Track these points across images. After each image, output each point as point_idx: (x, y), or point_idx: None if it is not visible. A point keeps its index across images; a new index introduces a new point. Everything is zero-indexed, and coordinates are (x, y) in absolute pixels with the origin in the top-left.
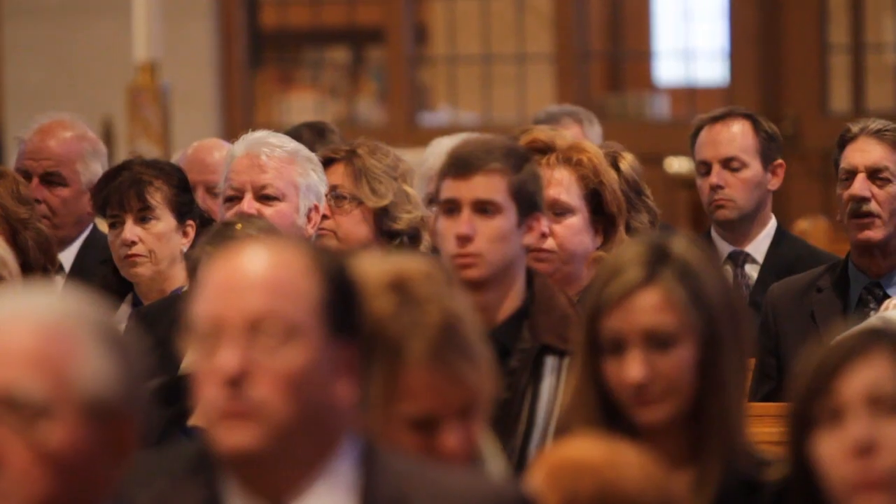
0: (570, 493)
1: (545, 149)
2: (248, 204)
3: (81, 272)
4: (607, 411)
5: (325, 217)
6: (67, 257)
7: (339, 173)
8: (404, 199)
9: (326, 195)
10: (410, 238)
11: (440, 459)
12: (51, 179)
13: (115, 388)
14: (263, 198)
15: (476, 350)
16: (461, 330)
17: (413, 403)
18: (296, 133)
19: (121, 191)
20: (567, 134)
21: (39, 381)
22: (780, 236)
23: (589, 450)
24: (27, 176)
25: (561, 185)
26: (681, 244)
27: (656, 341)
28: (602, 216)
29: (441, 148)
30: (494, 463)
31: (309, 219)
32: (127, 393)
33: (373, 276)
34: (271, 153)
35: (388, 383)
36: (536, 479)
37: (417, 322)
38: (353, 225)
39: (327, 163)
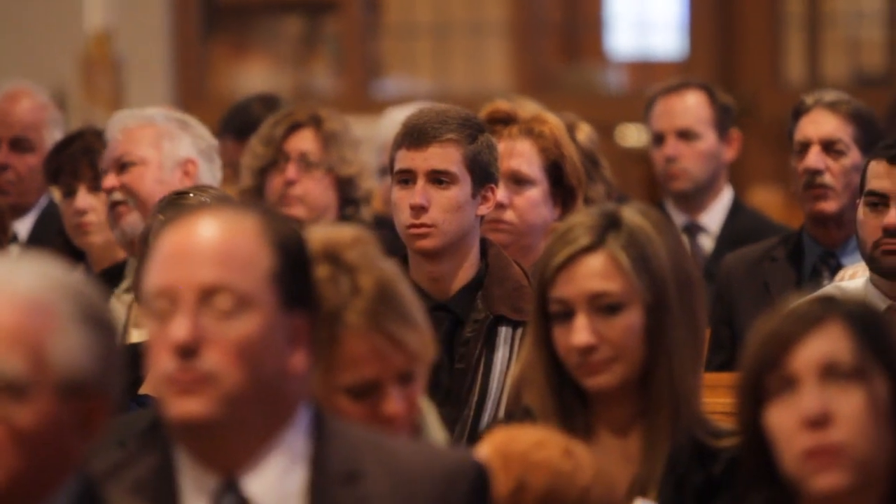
0: (520, 484)
1: (507, 119)
2: (108, 181)
3: (39, 241)
4: (558, 378)
5: (291, 183)
6: (24, 226)
7: (308, 139)
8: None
9: (293, 161)
10: (358, 207)
11: (383, 426)
12: (20, 145)
13: (92, 366)
14: (121, 168)
15: (413, 314)
16: (396, 295)
17: (353, 371)
18: (246, 106)
19: (74, 160)
20: (529, 105)
21: (17, 359)
22: (736, 208)
23: (543, 443)
24: None
25: (522, 156)
26: (632, 212)
27: (602, 307)
28: (562, 188)
29: (396, 118)
30: (434, 432)
31: (186, 173)
32: (103, 371)
33: None
34: (124, 126)
35: (327, 352)
36: (489, 458)
37: (352, 290)
38: (322, 192)
39: (293, 128)
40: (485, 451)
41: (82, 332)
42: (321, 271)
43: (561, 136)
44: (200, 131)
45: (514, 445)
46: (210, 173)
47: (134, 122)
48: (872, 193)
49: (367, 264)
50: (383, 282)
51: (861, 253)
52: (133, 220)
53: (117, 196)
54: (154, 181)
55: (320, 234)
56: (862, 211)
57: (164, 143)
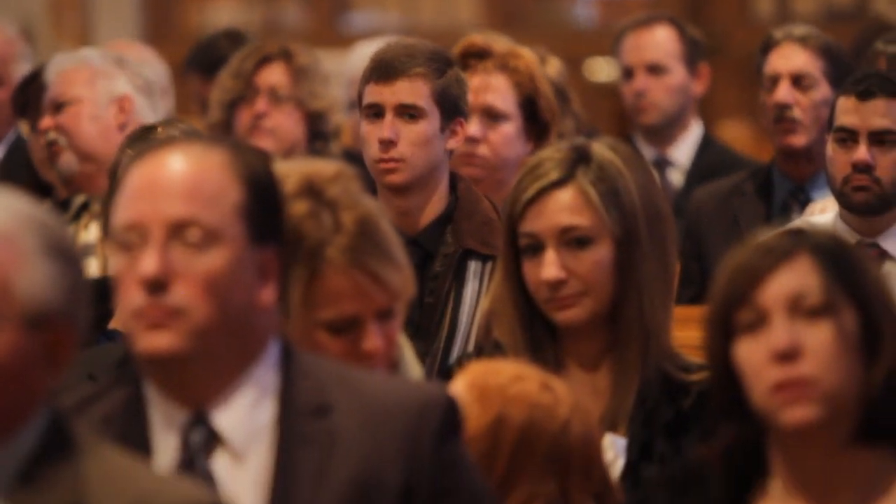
0: (499, 418)
1: (481, 54)
2: (43, 122)
3: (7, 174)
4: (528, 313)
5: (261, 116)
6: None
7: (278, 73)
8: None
9: (263, 94)
10: (327, 142)
11: (361, 362)
12: None
13: (57, 298)
14: (56, 108)
15: (394, 251)
16: (378, 231)
17: (333, 307)
18: (212, 42)
19: (41, 94)
20: (502, 40)
21: None
22: (706, 142)
23: (521, 377)
24: None
25: (496, 91)
26: (602, 146)
27: (571, 241)
28: (535, 123)
29: (364, 53)
30: (411, 368)
31: (121, 109)
32: (69, 303)
33: (284, 181)
34: (60, 69)
35: (307, 288)
36: (464, 393)
37: (334, 226)
38: (291, 126)
39: (263, 62)
40: (460, 385)
41: (48, 264)
42: (302, 207)
43: (535, 71)
44: (139, 69)
45: (491, 379)
46: (150, 109)
47: (70, 63)
48: (842, 129)
49: (349, 200)
50: (365, 218)
51: (831, 188)
52: (68, 160)
53: (52, 136)
54: (88, 119)
55: (301, 169)
56: (831, 147)
57: (98, 81)
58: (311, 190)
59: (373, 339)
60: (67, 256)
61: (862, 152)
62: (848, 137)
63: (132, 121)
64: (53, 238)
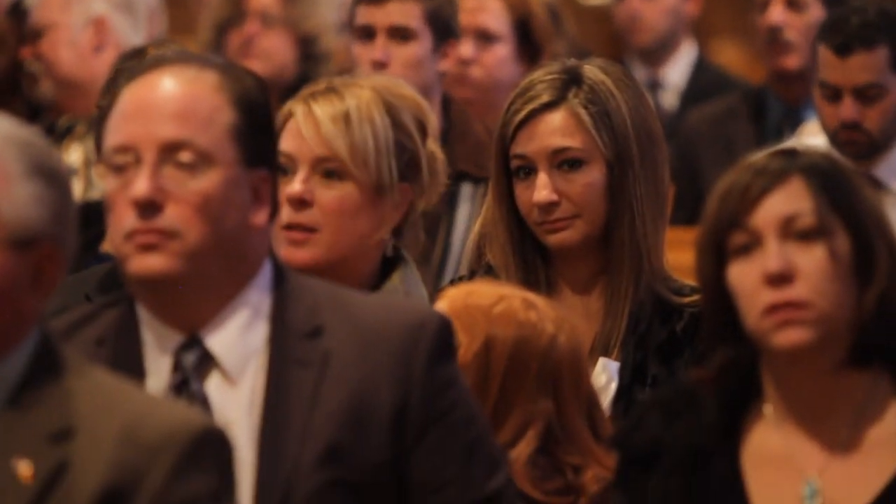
0: (489, 340)
1: None
2: (23, 53)
3: None
4: (520, 235)
5: (251, 38)
6: None
7: None
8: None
9: (253, 16)
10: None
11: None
12: None
13: (44, 218)
14: (34, 36)
15: (361, 124)
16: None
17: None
18: None
19: (24, 19)
20: None
21: None
22: (700, 64)
23: (503, 296)
24: None
25: (490, 12)
26: (594, 68)
27: (563, 163)
28: (528, 45)
29: None
30: (417, 290)
31: (98, 31)
32: (56, 224)
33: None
34: (38, 1)
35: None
36: (451, 316)
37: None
38: (282, 48)
39: None
40: (441, 308)
41: (34, 184)
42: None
43: None
44: None
45: (472, 302)
46: (131, 27)
47: None
48: (824, 85)
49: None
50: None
51: (823, 131)
52: (47, 87)
53: (31, 66)
54: (65, 46)
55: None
56: (817, 98)
57: (73, 4)
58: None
59: (296, 185)
60: (54, 177)
61: (847, 110)
62: (832, 94)
63: (109, 41)
64: (39, 158)
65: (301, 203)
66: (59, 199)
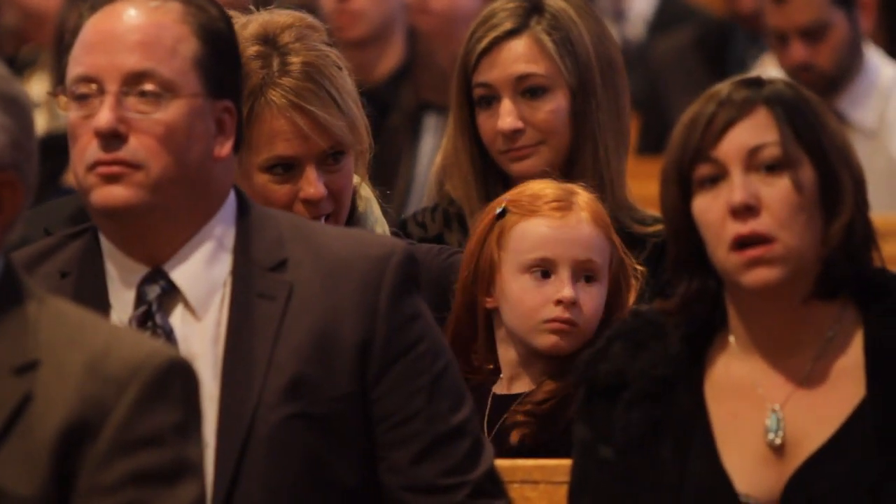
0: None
1: None
2: None
3: None
4: (482, 165)
5: None
6: None
7: None
8: None
9: None
10: None
11: (307, 211)
12: None
13: (3, 143)
14: None
15: (342, 97)
16: (325, 76)
17: (268, 149)
18: None
19: None
20: None
21: None
22: None
23: None
24: None
25: None
26: None
27: (527, 90)
28: None
29: None
30: (378, 223)
31: None
32: (15, 150)
33: (242, 29)
34: None
35: (247, 129)
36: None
37: (280, 68)
38: None
39: None
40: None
41: None
42: (252, 50)
43: None
44: None
45: None
46: None
47: None
48: (772, 30)
49: (301, 46)
50: (314, 63)
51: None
52: (9, 16)
53: None
54: None
55: (259, 17)
56: (770, 43)
57: None
58: (265, 36)
59: (313, 185)
60: (13, 105)
61: (797, 52)
62: (779, 38)
63: None
64: None
65: None
66: (19, 127)
